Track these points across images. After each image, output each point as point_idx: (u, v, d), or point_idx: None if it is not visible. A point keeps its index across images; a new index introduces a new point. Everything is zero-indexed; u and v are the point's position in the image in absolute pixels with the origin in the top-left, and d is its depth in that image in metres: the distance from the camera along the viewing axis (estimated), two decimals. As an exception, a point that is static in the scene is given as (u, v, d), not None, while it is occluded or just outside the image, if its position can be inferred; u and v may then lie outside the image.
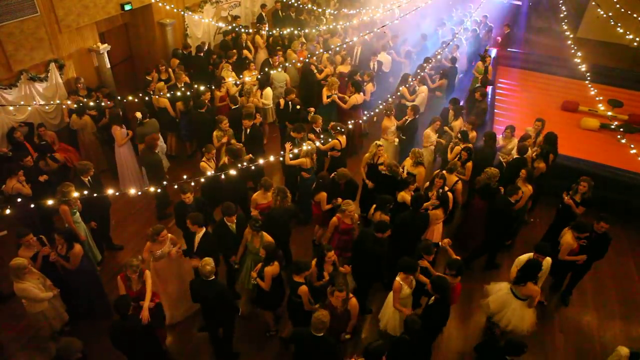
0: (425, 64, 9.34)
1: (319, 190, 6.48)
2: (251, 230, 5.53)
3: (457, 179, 6.76)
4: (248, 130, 7.53)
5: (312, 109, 8.33)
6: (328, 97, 8.77)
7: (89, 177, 6.23)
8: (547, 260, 5.58)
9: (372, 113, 7.75)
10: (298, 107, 8.38)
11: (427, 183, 6.80)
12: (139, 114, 7.57)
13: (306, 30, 10.56)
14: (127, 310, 4.51)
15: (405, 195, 6.35)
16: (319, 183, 6.44)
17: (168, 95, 7.82)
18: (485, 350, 4.98)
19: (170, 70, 9.11)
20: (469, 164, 7.05)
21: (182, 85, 8.51)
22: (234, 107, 8.20)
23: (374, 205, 6.15)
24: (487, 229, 6.60)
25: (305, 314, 4.96)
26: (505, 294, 5.58)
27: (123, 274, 5.03)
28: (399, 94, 8.98)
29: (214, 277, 4.84)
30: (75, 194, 5.39)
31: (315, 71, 9.71)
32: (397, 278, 5.23)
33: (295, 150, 6.68)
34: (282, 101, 8.56)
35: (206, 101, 8.04)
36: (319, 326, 4.28)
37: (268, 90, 9.25)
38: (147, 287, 5.02)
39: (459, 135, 7.51)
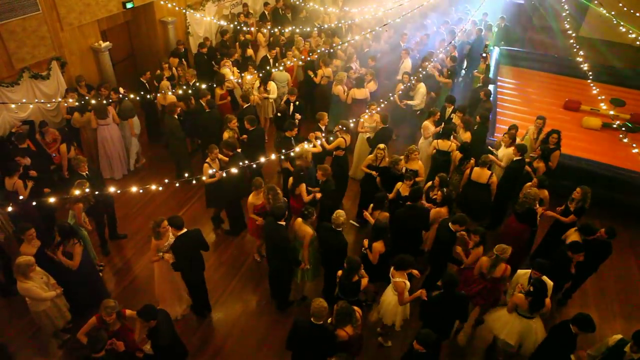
0: (425, 63, 9.31)
1: (299, 182, 6.44)
2: (303, 222, 5.64)
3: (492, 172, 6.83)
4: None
5: (299, 116, 8.33)
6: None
7: (86, 172, 6.24)
8: (549, 283, 5.18)
9: (372, 112, 7.73)
10: (290, 110, 8.37)
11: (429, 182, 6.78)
12: (122, 89, 7.71)
13: (307, 29, 10.53)
14: (102, 347, 4.06)
15: (400, 185, 6.42)
16: (299, 175, 6.37)
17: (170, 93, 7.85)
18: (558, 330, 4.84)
19: (174, 68, 9.07)
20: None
21: (185, 83, 8.50)
22: (246, 105, 8.17)
23: (372, 205, 6.17)
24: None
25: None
26: (519, 323, 5.11)
27: (98, 315, 4.49)
28: (400, 92, 8.95)
29: (341, 229, 5.39)
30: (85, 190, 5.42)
31: (313, 75, 9.64)
32: (398, 279, 5.11)
33: (297, 149, 6.66)
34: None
35: (204, 102, 7.96)
36: (319, 314, 4.37)
37: (272, 84, 9.14)
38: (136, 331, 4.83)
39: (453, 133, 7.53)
